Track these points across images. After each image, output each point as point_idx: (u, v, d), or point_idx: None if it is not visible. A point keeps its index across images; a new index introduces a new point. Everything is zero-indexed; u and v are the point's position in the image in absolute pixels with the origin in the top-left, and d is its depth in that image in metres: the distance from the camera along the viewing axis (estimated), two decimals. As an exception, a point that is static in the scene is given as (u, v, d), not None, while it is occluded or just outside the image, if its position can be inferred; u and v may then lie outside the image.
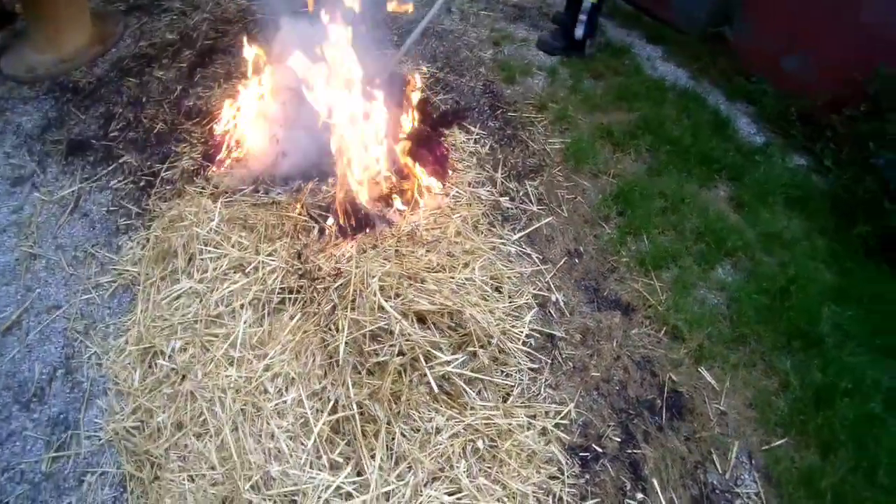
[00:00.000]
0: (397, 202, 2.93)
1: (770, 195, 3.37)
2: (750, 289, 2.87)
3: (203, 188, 3.13)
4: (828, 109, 3.72)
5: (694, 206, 3.25)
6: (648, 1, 4.97)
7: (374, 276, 2.50)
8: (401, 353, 2.29)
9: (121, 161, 3.41)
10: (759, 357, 2.67)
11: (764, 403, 2.54)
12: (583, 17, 4.12)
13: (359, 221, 2.83)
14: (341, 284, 2.51)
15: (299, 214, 2.91)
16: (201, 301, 2.60)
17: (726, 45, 4.36)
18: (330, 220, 2.85)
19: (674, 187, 3.31)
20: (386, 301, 2.42)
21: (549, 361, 2.53)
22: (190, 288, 2.66)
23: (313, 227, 2.86)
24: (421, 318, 2.41)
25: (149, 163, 3.39)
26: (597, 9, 4.11)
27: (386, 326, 2.35)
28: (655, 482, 2.31)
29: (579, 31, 4.20)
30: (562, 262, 2.94)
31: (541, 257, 2.94)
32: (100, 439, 2.30)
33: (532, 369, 2.47)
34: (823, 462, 2.38)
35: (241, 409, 2.26)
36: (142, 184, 3.27)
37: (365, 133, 2.95)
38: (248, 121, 3.33)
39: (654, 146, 3.59)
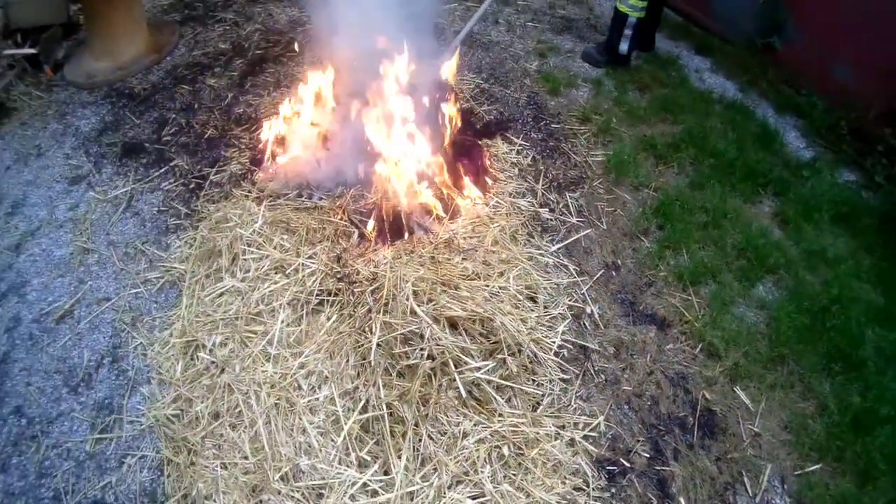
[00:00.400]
0: (437, 210, 3.02)
1: (816, 211, 3.34)
2: (790, 308, 2.85)
3: (249, 192, 3.28)
4: (881, 123, 3.67)
5: (736, 221, 3.24)
6: (696, 10, 4.98)
7: (407, 281, 2.59)
8: (431, 357, 2.37)
9: (172, 164, 3.59)
10: (797, 378, 2.64)
11: (800, 426, 2.51)
12: (627, 33, 4.18)
13: (398, 228, 2.93)
14: (376, 288, 2.62)
15: (340, 219, 3.03)
16: (243, 299, 2.73)
17: (775, 56, 4.32)
18: (370, 226, 2.96)
19: (716, 202, 3.31)
20: (418, 306, 2.50)
21: (581, 373, 2.56)
22: (232, 286, 2.79)
23: (353, 232, 2.97)
24: (452, 324, 2.49)
25: (199, 166, 3.56)
26: (642, 23, 4.15)
27: (417, 330, 2.43)
28: (682, 501, 2.32)
29: (624, 47, 4.25)
30: (599, 275, 2.97)
31: (578, 269, 2.97)
32: (141, 425, 2.42)
33: (563, 380, 2.51)
34: (860, 491, 2.35)
35: (275, 404, 2.37)
36: (191, 186, 3.43)
37: (408, 141, 3.06)
38: (296, 129, 3.47)
39: (698, 159, 3.60)
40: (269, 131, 3.52)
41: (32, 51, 4.47)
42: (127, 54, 4.54)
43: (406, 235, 2.93)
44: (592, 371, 2.59)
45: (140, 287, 2.93)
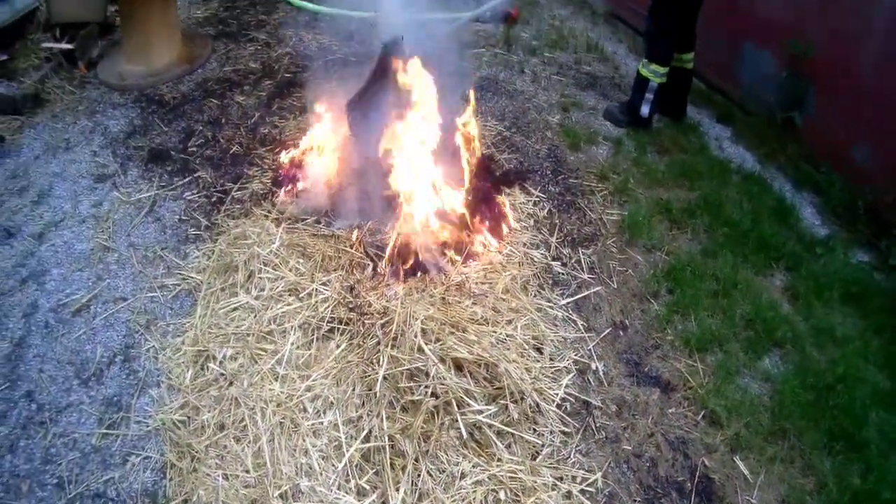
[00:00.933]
0: (452, 252, 3.18)
1: (827, 289, 3.35)
2: (795, 382, 2.86)
3: (269, 212, 3.44)
4: (898, 205, 3.70)
5: (747, 292, 3.27)
6: (721, 79, 5.08)
7: (417, 319, 2.75)
8: (434, 395, 2.51)
9: (196, 175, 3.75)
10: (798, 454, 2.65)
11: (797, 502, 2.52)
12: (649, 96, 4.33)
13: (412, 266, 3.09)
14: (387, 321, 2.77)
15: (356, 251, 3.20)
16: (255, 316, 2.88)
17: (796, 131, 4.38)
18: (384, 261, 3.13)
19: (728, 271, 3.35)
20: (426, 344, 2.65)
21: (582, 427, 2.63)
22: (246, 303, 2.94)
23: (368, 265, 3.13)
24: (458, 365, 2.63)
25: (221, 181, 3.72)
26: (665, 88, 4.31)
27: (423, 368, 2.58)
28: (676, 568, 2.38)
29: (645, 110, 4.38)
30: (606, 333, 3.04)
31: (586, 325, 3.05)
32: (148, 426, 2.53)
33: (564, 432, 2.59)
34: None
35: (280, 422, 2.49)
36: (213, 199, 3.59)
37: (429, 182, 3.24)
38: (319, 157, 3.65)
39: (712, 227, 3.66)
40: (292, 156, 3.71)
41: (69, 46, 4.66)
42: (160, 61, 4.74)
43: (419, 274, 3.09)
44: (594, 427, 2.66)
45: (156, 291, 3.06)
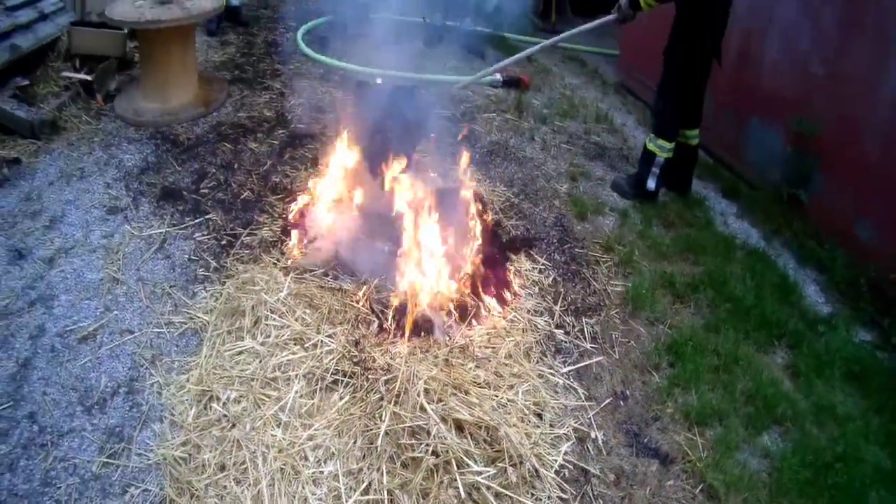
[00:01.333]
0: (456, 315, 3.31)
1: (829, 367, 3.40)
2: (794, 460, 2.88)
3: (278, 260, 3.57)
4: (901, 284, 3.82)
5: (748, 367, 3.33)
6: (727, 153, 5.27)
7: (420, 378, 2.86)
8: (435, 454, 2.61)
9: (207, 217, 3.87)
10: None
11: None
12: (655, 171, 4.51)
13: (417, 326, 3.22)
14: (391, 378, 2.88)
15: (362, 306, 3.32)
16: (260, 362, 2.96)
17: (801, 208, 4.49)
18: (390, 319, 3.25)
19: (729, 347, 3.42)
20: (428, 403, 2.76)
21: (580, 495, 2.67)
22: (252, 348, 3.03)
23: (373, 322, 3.25)
24: (459, 426, 2.73)
25: (232, 225, 3.84)
26: (671, 163, 4.49)
27: (425, 426, 2.68)
28: None
29: (651, 184, 4.56)
30: (607, 402, 3.10)
31: (586, 394, 3.12)
32: (149, 459, 2.57)
33: (561, 499, 2.63)
34: None
35: (281, 468, 2.55)
36: (223, 242, 3.70)
37: (436, 244, 3.40)
38: (329, 210, 3.80)
39: (715, 302, 3.75)
40: (302, 207, 3.87)
41: (88, 77, 4.81)
42: (176, 101, 4.91)
43: (423, 334, 3.22)
44: (591, 495, 2.70)
45: (163, 328, 3.13)
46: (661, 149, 4.44)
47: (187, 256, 3.57)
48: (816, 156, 4.37)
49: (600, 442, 2.92)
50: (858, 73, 4.10)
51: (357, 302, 3.34)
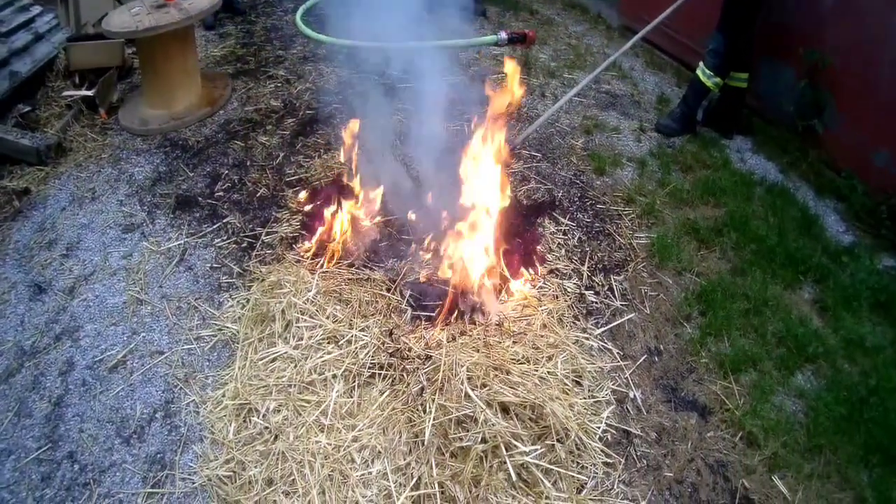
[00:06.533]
0: (489, 293, 3.28)
1: (855, 299, 3.50)
2: (828, 398, 2.99)
3: (301, 257, 3.57)
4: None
5: (777, 308, 3.42)
6: None
7: (462, 366, 2.85)
8: (483, 441, 2.60)
9: (225, 221, 3.89)
10: (835, 469, 2.74)
11: None
12: (705, 104, 5.00)
13: (450, 309, 3.20)
14: (432, 368, 2.87)
15: (392, 294, 3.31)
16: (296, 367, 2.98)
17: (817, 139, 4.60)
18: (422, 305, 3.23)
19: (757, 288, 3.51)
20: (472, 390, 2.75)
21: (624, 457, 2.74)
22: (285, 353, 3.04)
23: (406, 310, 3.24)
24: (504, 409, 2.72)
25: (251, 225, 3.85)
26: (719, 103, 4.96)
27: (471, 414, 2.67)
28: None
29: (701, 117, 5.02)
30: (642, 360, 3.16)
31: (621, 353, 3.18)
32: (194, 483, 2.62)
33: (606, 464, 2.68)
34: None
35: (329, 475, 2.58)
36: (244, 245, 3.72)
37: (464, 223, 3.35)
38: (351, 203, 3.77)
39: (740, 244, 3.84)
40: (321, 199, 3.85)
41: (89, 93, 4.85)
42: (181, 104, 4.92)
43: (457, 315, 3.19)
44: (635, 456, 2.76)
45: (193, 343, 3.18)
46: (717, 85, 4.70)
47: (209, 265, 3.60)
48: (830, 88, 4.45)
49: (639, 401, 2.99)
50: (869, 1, 4.16)
51: (388, 290, 3.33)
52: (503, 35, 6.13)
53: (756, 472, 2.74)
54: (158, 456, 2.74)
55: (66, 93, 4.86)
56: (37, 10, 5.25)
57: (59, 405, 2.94)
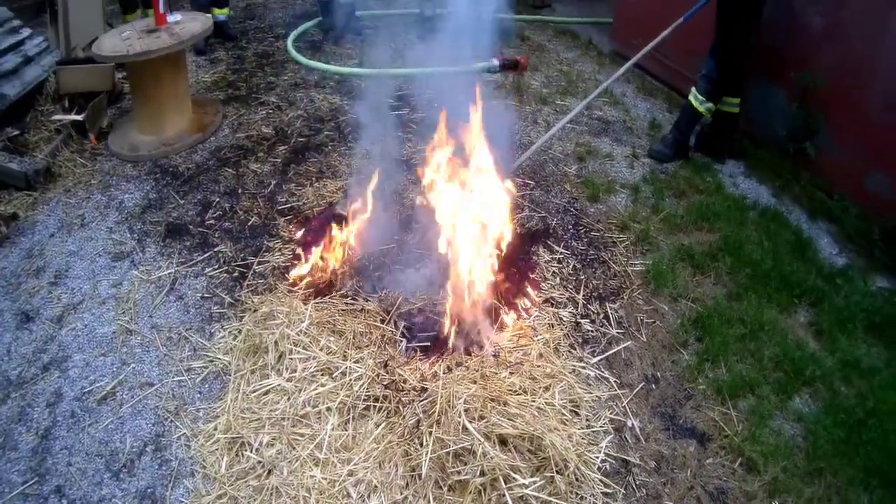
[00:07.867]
0: (484, 323, 3.28)
1: (850, 321, 3.52)
2: (827, 421, 2.99)
3: (293, 287, 3.55)
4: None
5: (773, 332, 3.44)
6: None
7: (460, 398, 2.83)
8: (482, 474, 2.58)
9: (216, 249, 3.87)
10: (835, 492, 2.73)
11: None
12: (697, 129, 5.02)
13: (445, 340, 3.19)
14: (429, 401, 2.85)
15: (386, 325, 3.30)
16: (289, 399, 2.95)
17: (809, 162, 4.62)
18: (417, 336, 3.22)
19: (753, 313, 3.52)
20: (470, 422, 2.73)
21: (623, 488, 2.71)
22: (279, 385, 3.01)
23: (401, 341, 3.23)
24: (503, 441, 2.70)
25: (242, 254, 3.84)
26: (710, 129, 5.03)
27: (469, 447, 2.65)
28: None
29: (693, 142, 5.05)
30: (639, 388, 3.16)
31: (618, 381, 3.17)
32: (186, 520, 2.59)
33: (606, 494, 2.65)
34: None
35: (324, 511, 2.56)
36: (235, 274, 3.70)
37: (460, 254, 3.35)
38: (342, 229, 3.77)
39: (735, 269, 3.86)
40: (313, 227, 3.84)
41: (79, 118, 4.84)
42: (172, 130, 4.92)
43: (451, 346, 3.18)
44: (634, 485, 2.74)
45: (184, 375, 3.13)
46: (709, 110, 4.77)
47: (200, 295, 3.57)
48: (822, 110, 4.50)
49: (637, 430, 2.98)
50: (859, 23, 4.22)
51: (382, 321, 3.32)
52: (495, 61, 6.26)
53: (756, 497, 2.73)
54: (149, 491, 2.68)
55: (55, 117, 4.85)
56: (26, 32, 5.27)
57: (46, 437, 2.88)
